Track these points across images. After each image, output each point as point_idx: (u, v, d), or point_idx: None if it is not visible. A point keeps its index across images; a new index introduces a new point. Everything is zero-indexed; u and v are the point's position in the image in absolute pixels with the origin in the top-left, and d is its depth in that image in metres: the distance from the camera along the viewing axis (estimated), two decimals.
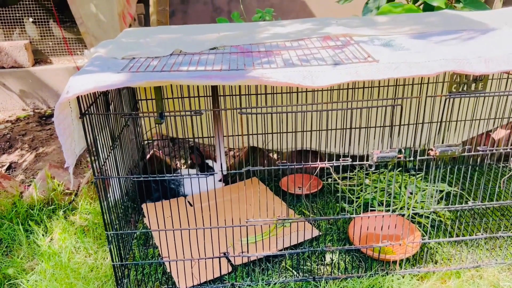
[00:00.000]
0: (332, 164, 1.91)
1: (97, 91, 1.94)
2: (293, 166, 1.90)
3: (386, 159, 1.89)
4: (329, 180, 3.01)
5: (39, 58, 4.83)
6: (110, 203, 2.07)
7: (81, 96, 1.75)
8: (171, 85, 2.71)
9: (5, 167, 3.69)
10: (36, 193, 2.76)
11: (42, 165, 3.53)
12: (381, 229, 2.12)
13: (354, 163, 1.93)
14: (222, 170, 1.84)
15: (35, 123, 4.40)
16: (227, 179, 3.04)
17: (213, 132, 2.84)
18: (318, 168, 1.89)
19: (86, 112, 1.80)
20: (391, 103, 1.91)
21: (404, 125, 1.99)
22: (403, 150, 1.91)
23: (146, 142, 3.02)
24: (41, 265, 2.34)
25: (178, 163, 3.21)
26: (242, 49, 2.12)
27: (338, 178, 2.54)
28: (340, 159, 1.92)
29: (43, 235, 2.57)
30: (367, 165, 1.91)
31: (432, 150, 1.94)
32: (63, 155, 3.72)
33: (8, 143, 4.09)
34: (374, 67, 1.76)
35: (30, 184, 3.06)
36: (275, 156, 3.24)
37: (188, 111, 1.81)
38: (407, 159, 1.98)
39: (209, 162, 3.05)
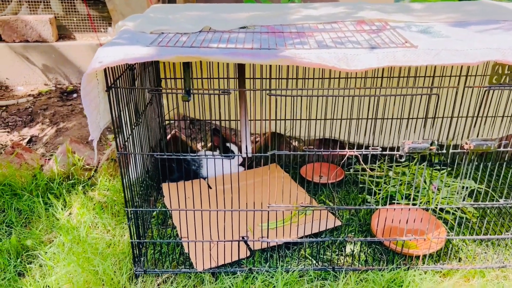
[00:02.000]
0: (361, 153, 1.85)
1: (124, 65, 1.90)
2: (321, 153, 1.84)
3: (417, 150, 1.82)
4: (351, 170, 2.95)
5: (63, 33, 4.82)
6: (131, 180, 2.04)
7: (108, 69, 1.71)
8: (195, 64, 2.67)
9: (26, 140, 3.71)
10: (56, 167, 2.76)
11: (63, 140, 3.54)
12: (406, 223, 2.06)
13: (384, 152, 1.86)
14: (247, 152, 1.79)
15: (56, 98, 4.40)
16: (246, 164, 3.00)
17: (234, 115, 2.79)
18: (346, 156, 1.83)
19: (113, 85, 1.76)
20: (426, 92, 1.83)
21: (438, 117, 1.90)
22: (435, 142, 1.83)
23: (168, 122, 2.98)
24: (59, 238, 2.34)
25: (198, 145, 3.18)
26: (272, 29, 2.06)
27: (367, 167, 2.47)
28: (370, 148, 1.85)
29: (62, 209, 2.57)
30: (397, 155, 1.84)
31: (466, 143, 1.86)
32: (83, 130, 3.73)
33: (29, 116, 4.11)
34: (413, 52, 1.68)
35: (50, 158, 3.06)
36: (295, 143, 3.18)
37: (216, 90, 1.76)
38: (439, 151, 1.90)
39: (230, 145, 3.01)
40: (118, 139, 1.85)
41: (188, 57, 1.58)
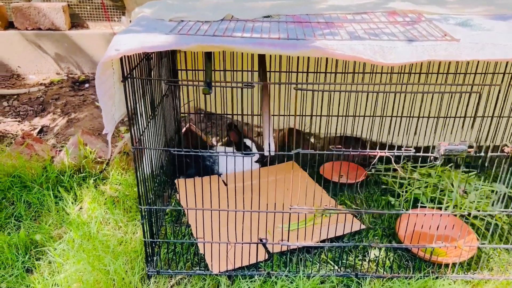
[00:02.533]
0: (393, 154, 1.72)
1: (141, 54, 1.79)
2: (349, 153, 1.71)
3: (454, 152, 1.68)
4: (373, 170, 2.81)
5: (76, 22, 4.72)
6: (145, 175, 1.94)
7: (125, 58, 1.60)
8: (214, 55, 2.54)
9: (37, 130, 3.63)
10: (67, 159, 2.66)
11: (74, 131, 3.45)
12: (437, 229, 1.93)
13: (418, 154, 1.73)
14: (269, 151, 1.67)
15: (68, 88, 4.32)
16: (262, 161, 2.88)
17: (250, 109, 2.67)
18: (377, 157, 1.70)
19: (129, 75, 1.65)
20: (466, 90, 1.69)
21: (479, 116, 1.76)
22: (474, 144, 1.70)
23: (183, 115, 2.87)
24: (69, 234, 2.25)
25: (214, 140, 3.07)
26: (298, 19, 1.93)
27: (400, 169, 2.33)
28: (403, 149, 1.72)
29: (72, 203, 2.48)
30: (432, 157, 1.70)
31: (507, 146, 1.72)
32: (95, 122, 3.63)
33: (41, 106, 4.03)
34: (454, 46, 1.54)
35: (61, 149, 2.97)
36: (313, 140, 3.05)
37: (239, 83, 1.64)
38: (477, 154, 1.76)
39: (247, 141, 2.89)
40: (133, 133, 1.74)
41: (211, 46, 1.46)
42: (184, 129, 2.91)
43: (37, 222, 2.40)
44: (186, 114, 2.91)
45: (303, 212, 1.86)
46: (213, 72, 2.41)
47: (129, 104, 1.67)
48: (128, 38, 1.50)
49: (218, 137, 3.12)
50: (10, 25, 4.58)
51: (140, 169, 1.85)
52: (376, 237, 2.27)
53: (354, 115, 2.22)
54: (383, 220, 2.38)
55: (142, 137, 1.87)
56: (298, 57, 2.40)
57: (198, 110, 2.98)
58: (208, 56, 1.63)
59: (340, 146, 1.71)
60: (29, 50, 4.52)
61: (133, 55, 1.71)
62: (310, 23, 1.85)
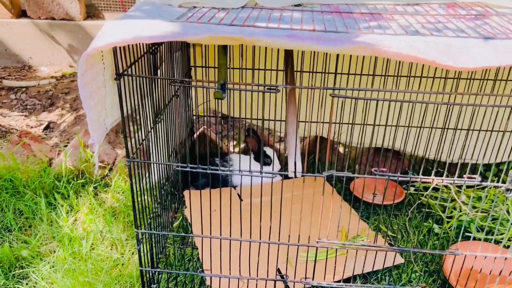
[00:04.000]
0: (452, 182, 1.35)
1: (144, 47, 1.47)
2: (396, 179, 1.35)
3: None
4: (412, 189, 2.43)
5: (91, 12, 4.46)
6: (146, 187, 1.62)
7: (120, 51, 1.28)
8: (233, 50, 2.21)
9: (43, 126, 3.37)
10: (64, 163, 2.37)
11: (80, 129, 3.17)
12: (500, 274, 1.55)
13: (485, 183, 1.36)
14: (295, 172, 1.34)
15: None
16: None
17: (273, 114, 2.33)
18: (433, 184, 1.34)
19: (125, 72, 1.33)
20: None
21: None
22: None
23: (196, 117, 2.55)
24: (59, 251, 1.96)
25: (229, 146, 2.74)
26: (337, 8, 1.57)
27: (463, 205, 1.96)
28: (465, 176, 1.35)
29: (67, 213, 2.19)
30: (503, 188, 1.33)
31: None
32: None
33: (49, 100, 3.78)
34: None
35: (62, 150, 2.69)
36: (340, 149, 2.69)
37: (261, 85, 1.30)
38: None
39: (267, 150, 2.55)
40: (129, 143, 1.43)
41: (226, 37, 1.12)
42: (197, 133, 2.59)
43: (27, 234, 2.11)
44: (200, 116, 2.59)
45: (333, 247, 1.51)
46: (229, 70, 2.08)
47: (124, 108, 1.35)
48: (122, 26, 1.18)
49: (234, 143, 2.79)
50: (23, 14, 4.35)
51: (138, 184, 1.53)
52: (416, 274, 1.90)
53: (397, 125, 1.85)
54: (426, 253, 2.01)
55: (142, 145, 1.55)
56: (326, 56, 2.04)
57: (214, 112, 2.65)
58: (223, 51, 1.30)
59: (385, 169, 1.35)
60: (41, 40, 4.28)
61: (133, 48, 1.39)
62: (351, 13, 1.49)
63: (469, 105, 1.27)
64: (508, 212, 2.15)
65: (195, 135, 2.56)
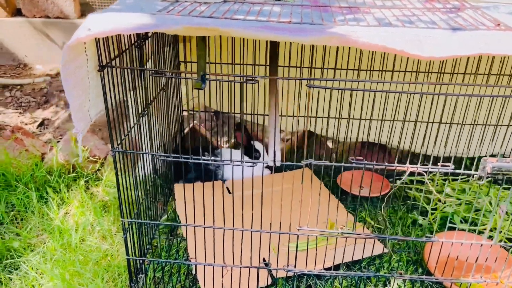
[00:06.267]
0: (426, 170, 1.39)
1: (130, 40, 1.51)
2: (372, 166, 1.39)
3: (505, 170, 1.34)
4: (398, 182, 2.47)
5: (86, 10, 4.49)
6: (135, 179, 1.66)
7: (103, 42, 1.32)
8: (215, 44, 2.25)
9: (37, 123, 3.41)
10: (56, 157, 2.41)
11: (73, 125, 3.21)
12: (476, 261, 1.59)
13: (458, 171, 1.40)
14: (274, 160, 1.38)
15: None
16: (274, 167, 2.58)
17: (258, 108, 2.37)
18: (408, 172, 1.38)
19: (108, 64, 1.37)
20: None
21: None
22: None
23: (186, 113, 2.59)
24: (49, 242, 2.00)
25: (220, 141, 2.78)
26: (316, 2, 1.61)
27: (441, 197, 2.00)
28: (439, 164, 1.39)
29: (58, 206, 2.23)
30: (476, 176, 1.37)
31: None
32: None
33: (44, 97, 3.81)
34: None
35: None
36: (330, 144, 2.73)
37: (238, 76, 1.34)
38: None
39: (256, 144, 2.59)
40: (113, 133, 1.47)
41: (201, 28, 1.17)
42: (187, 129, 2.63)
43: (19, 227, 2.15)
44: (190, 112, 2.63)
45: (313, 234, 1.55)
46: (208, 64, 2.12)
47: (108, 99, 1.40)
48: (103, 18, 1.22)
49: (225, 138, 2.83)
50: (17, 13, 4.39)
51: (126, 176, 1.58)
52: (400, 263, 1.94)
53: (383, 119, 1.89)
54: (409, 243, 2.05)
55: (127, 138, 1.59)
56: (313, 50, 2.08)
57: (205, 107, 2.70)
58: (202, 42, 1.34)
59: (361, 158, 1.39)
60: (36, 38, 4.32)
61: (118, 41, 1.43)
62: (330, 7, 1.53)
63: (451, 95, 1.31)
64: (490, 203, 2.20)
65: (185, 130, 2.60)
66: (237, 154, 2.50)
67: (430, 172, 1.38)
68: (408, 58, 1.95)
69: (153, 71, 1.70)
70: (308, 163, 1.42)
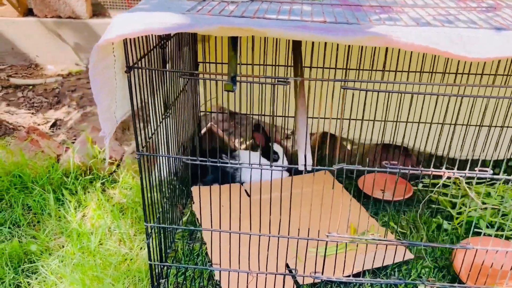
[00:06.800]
0: (464, 175, 1.34)
1: (154, 41, 1.47)
2: (407, 171, 1.34)
3: None
4: (420, 185, 2.42)
5: (97, 10, 4.47)
6: (155, 182, 1.62)
7: (130, 43, 1.28)
8: (241, 44, 2.20)
9: (50, 124, 3.39)
10: (72, 159, 2.38)
11: (88, 125, 3.18)
12: (511, 269, 1.54)
13: (496, 176, 1.35)
14: (305, 165, 1.33)
15: (86, 79, 4.06)
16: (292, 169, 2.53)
17: (282, 110, 2.32)
18: (444, 177, 1.33)
19: (135, 65, 1.33)
20: None
21: None
22: None
23: (203, 114, 2.55)
24: (68, 246, 1.96)
25: (237, 143, 2.73)
26: (346, 1, 1.57)
27: (479, 201, 1.94)
28: (477, 169, 1.34)
29: (75, 209, 2.19)
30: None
31: None
32: None
33: (56, 98, 3.79)
34: None
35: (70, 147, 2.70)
36: (348, 146, 2.68)
37: (271, 78, 1.29)
38: None
39: (275, 146, 2.55)
40: (139, 136, 1.43)
41: (236, 28, 1.12)
42: (204, 130, 2.59)
43: (36, 229, 2.12)
44: (207, 113, 2.59)
45: (343, 241, 1.50)
46: (238, 66, 2.07)
47: (134, 101, 1.36)
48: (131, 18, 1.18)
49: (242, 139, 2.79)
50: (29, 13, 4.37)
51: (148, 179, 1.54)
52: (426, 269, 1.89)
53: (406, 121, 1.84)
54: (434, 249, 2.00)
55: (151, 140, 1.55)
56: (349, 50, 2.03)
57: (221, 108, 2.65)
58: (234, 43, 1.30)
59: (395, 162, 1.34)
60: (48, 39, 4.30)
61: (143, 42, 1.39)
62: (360, 6, 1.49)
63: (479, 96, 1.26)
64: None
65: (202, 131, 2.56)
66: (255, 156, 2.46)
67: (469, 177, 1.33)
68: (439, 58, 1.89)
69: (181, 73, 1.66)
70: (340, 167, 1.38)
